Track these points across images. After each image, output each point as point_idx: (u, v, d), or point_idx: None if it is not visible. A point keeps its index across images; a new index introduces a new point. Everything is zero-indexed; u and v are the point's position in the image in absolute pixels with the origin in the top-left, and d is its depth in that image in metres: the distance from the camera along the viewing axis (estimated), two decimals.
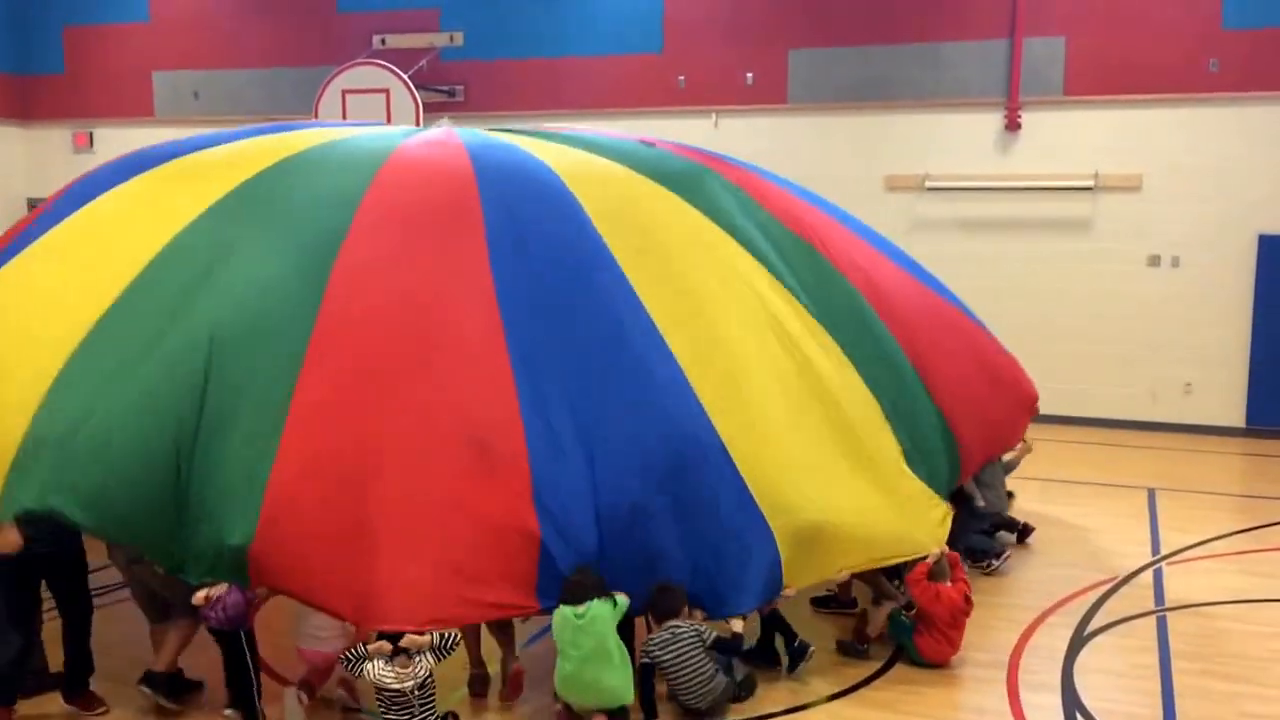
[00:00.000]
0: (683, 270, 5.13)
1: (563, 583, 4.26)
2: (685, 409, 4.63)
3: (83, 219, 5.09)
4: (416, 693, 4.01)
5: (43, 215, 5.37)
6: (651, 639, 4.42)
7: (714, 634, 4.44)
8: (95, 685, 4.55)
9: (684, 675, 4.38)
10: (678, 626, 4.38)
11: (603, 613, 4.22)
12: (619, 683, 4.25)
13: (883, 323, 5.63)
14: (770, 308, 5.21)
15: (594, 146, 5.85)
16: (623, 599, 4.30)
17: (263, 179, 5.12)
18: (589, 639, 4.21)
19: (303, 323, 4.48)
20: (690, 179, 5.70)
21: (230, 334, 4.41)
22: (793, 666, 4.75)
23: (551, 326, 4.68)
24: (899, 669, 4.93)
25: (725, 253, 5.35)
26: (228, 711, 4.32)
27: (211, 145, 5.59)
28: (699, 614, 4.49)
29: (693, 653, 4.36)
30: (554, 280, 4.83)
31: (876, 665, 4.95)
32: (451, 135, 5.72)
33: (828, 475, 4.84)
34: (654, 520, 4.41)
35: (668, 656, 4.37)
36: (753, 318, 5.12)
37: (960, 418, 5.68)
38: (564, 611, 4.24)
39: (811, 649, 4.77)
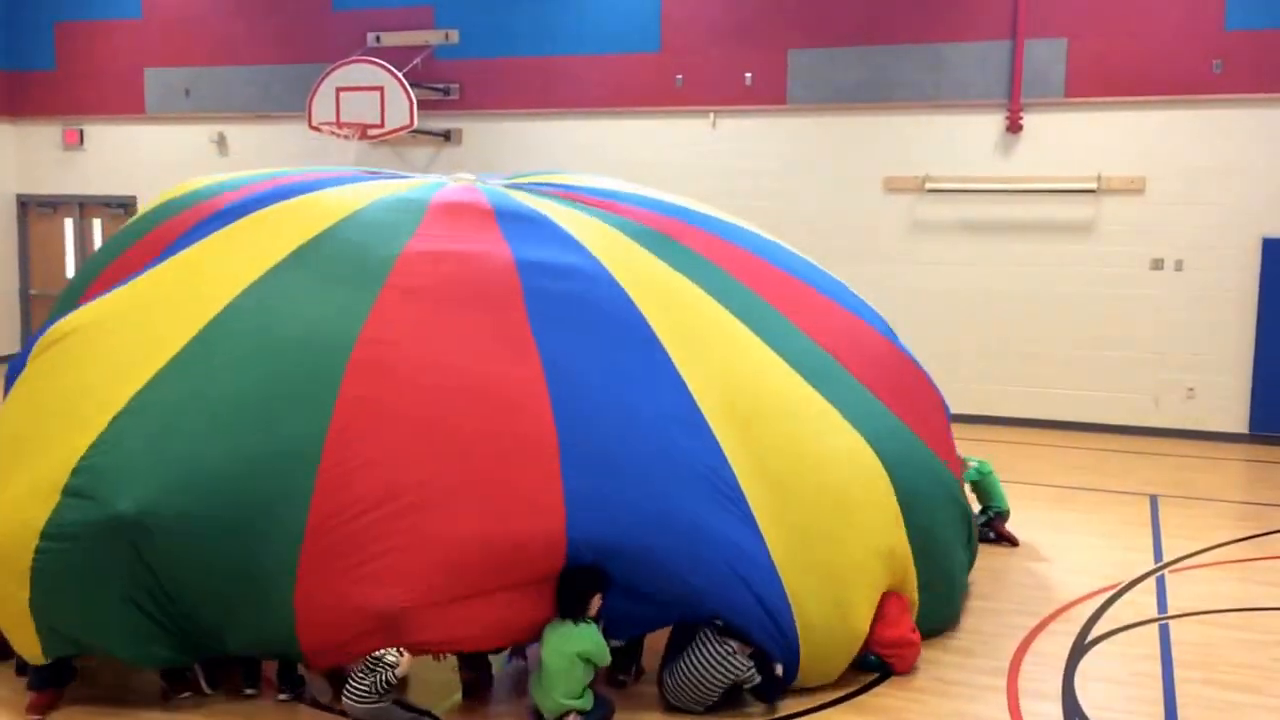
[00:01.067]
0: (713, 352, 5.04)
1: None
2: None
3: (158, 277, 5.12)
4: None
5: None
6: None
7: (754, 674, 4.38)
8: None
9: (684, 683, 4.34)
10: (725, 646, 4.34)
11: (561, 635, 4.20)
12: (550, 705, 4.22)
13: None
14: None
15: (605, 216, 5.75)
16: (589, 638, 4.23)
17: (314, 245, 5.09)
18: (546, 651, 4.22)
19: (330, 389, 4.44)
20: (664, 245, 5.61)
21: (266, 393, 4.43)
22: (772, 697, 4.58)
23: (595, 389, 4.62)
24: (899, 676, 4.82)
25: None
26: (249, 690, 4.49)
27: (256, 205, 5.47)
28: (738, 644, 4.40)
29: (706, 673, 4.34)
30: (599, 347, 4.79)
31: (876, 673, 4.84)
32: (478, 195, 5.59)
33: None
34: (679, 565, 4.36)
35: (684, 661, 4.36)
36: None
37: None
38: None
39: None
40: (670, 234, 5.66)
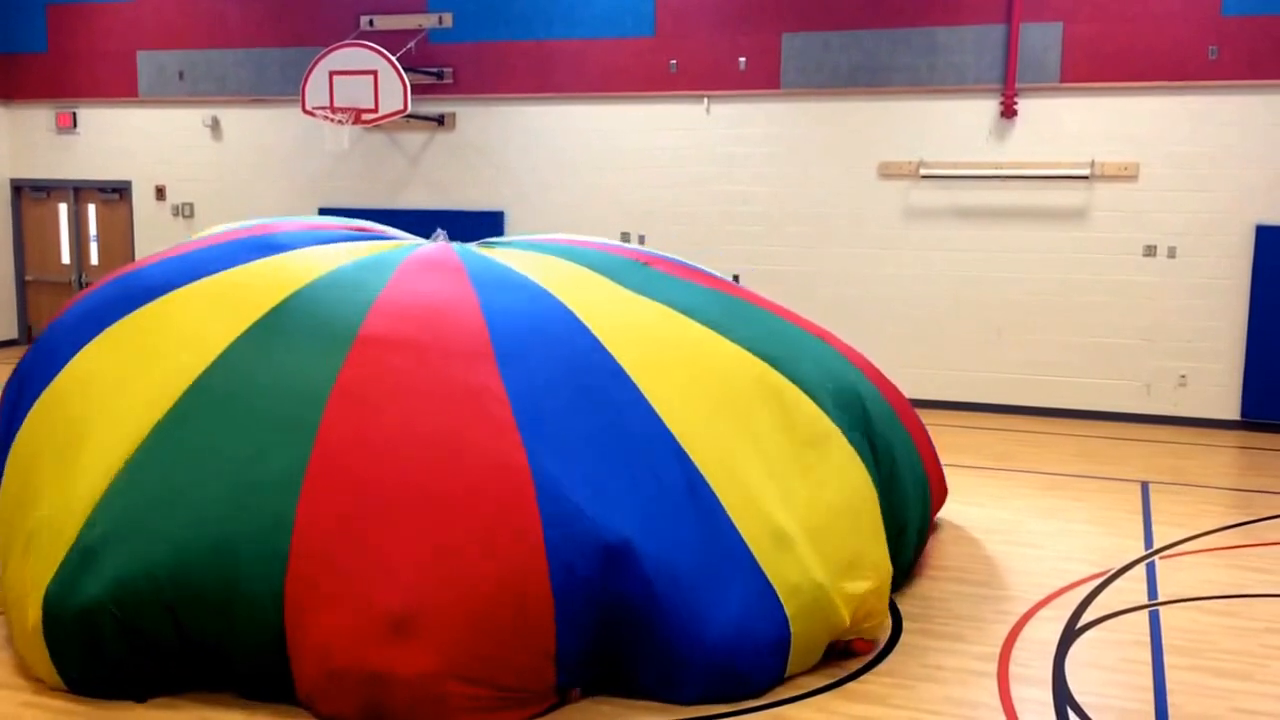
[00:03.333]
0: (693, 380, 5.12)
1: None
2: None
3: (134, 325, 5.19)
4: None
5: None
6: None
7: None
8: None
9: None
10: None
11: None
12: None
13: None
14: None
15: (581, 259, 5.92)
16: None
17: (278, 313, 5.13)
18: None
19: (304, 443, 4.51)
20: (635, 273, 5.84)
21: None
22: None
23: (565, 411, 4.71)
24: (888, 662, 4.84)
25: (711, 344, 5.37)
26: None
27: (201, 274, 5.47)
28: None
29: None
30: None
31: (865, 658, 4.86)
32: (451, 258, 5.68)
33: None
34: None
35: None
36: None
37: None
38: None
39: None
40: (635, 259, 6.05)
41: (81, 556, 4.34)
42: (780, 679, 4.57)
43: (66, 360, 5.10)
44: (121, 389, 4.82)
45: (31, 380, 5.23)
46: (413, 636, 4.07)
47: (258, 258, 5.50)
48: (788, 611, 4.52)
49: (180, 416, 4.68)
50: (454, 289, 5.28)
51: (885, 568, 5.01)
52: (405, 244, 6.05)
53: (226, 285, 5.28)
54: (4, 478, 5.06)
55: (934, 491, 6.20)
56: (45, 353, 5.31)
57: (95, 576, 4.28)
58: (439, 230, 6.33)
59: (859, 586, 4.77)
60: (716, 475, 4.72)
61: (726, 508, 4.65)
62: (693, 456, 4.73)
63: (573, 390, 4.80)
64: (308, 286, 5.22)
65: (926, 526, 6.00)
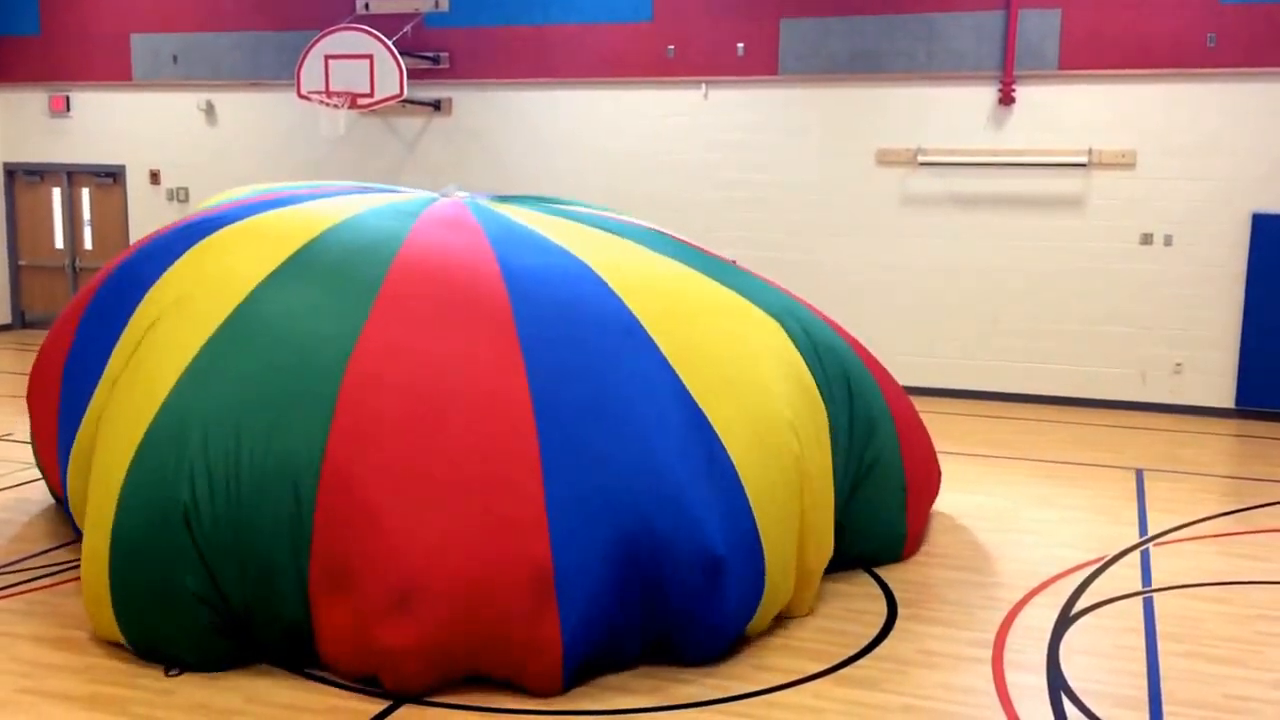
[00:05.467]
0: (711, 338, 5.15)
1: None
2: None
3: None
4: None
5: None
6: None
7: None
8: None
9: None
10: None
11: None
12: None
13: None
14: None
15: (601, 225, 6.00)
16: None
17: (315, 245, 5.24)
18: None
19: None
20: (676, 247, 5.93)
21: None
22: None
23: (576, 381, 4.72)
24: (882, 647, 4.85)
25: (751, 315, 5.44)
26: None
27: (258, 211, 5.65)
28: None
29: None
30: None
31: (860, 644, 4.87)
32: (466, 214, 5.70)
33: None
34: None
35: None
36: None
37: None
38: None
39: None
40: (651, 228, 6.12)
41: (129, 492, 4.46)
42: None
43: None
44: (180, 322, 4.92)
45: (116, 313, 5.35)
46: (421, 611, 4.15)
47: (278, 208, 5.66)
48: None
49: (210, 362, 4.73)
50: (472, 245, 5.31)
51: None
52: (420, 197, 6.12)
53: (248, 230, 5.41)
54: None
55: (919, 478, 6.11)
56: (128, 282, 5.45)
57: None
58: (452, 185, 6.33)
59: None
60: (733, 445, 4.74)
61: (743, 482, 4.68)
62: (719, 434, 4.73)
63: (582, 352, 4.81)
64: (329, 231, 5.29)
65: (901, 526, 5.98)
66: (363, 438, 4.41)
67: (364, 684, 4.33)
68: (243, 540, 4.31)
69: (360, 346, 4.67)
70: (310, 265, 5.08)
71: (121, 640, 4.54)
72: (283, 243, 5.22)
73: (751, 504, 4.62)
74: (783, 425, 4.89)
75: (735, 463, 4.66)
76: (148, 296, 5.20)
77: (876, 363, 6.21)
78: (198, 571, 4.32)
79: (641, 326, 4.97)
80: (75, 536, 5.76)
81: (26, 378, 6.49)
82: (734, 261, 6.17)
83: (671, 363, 4.87)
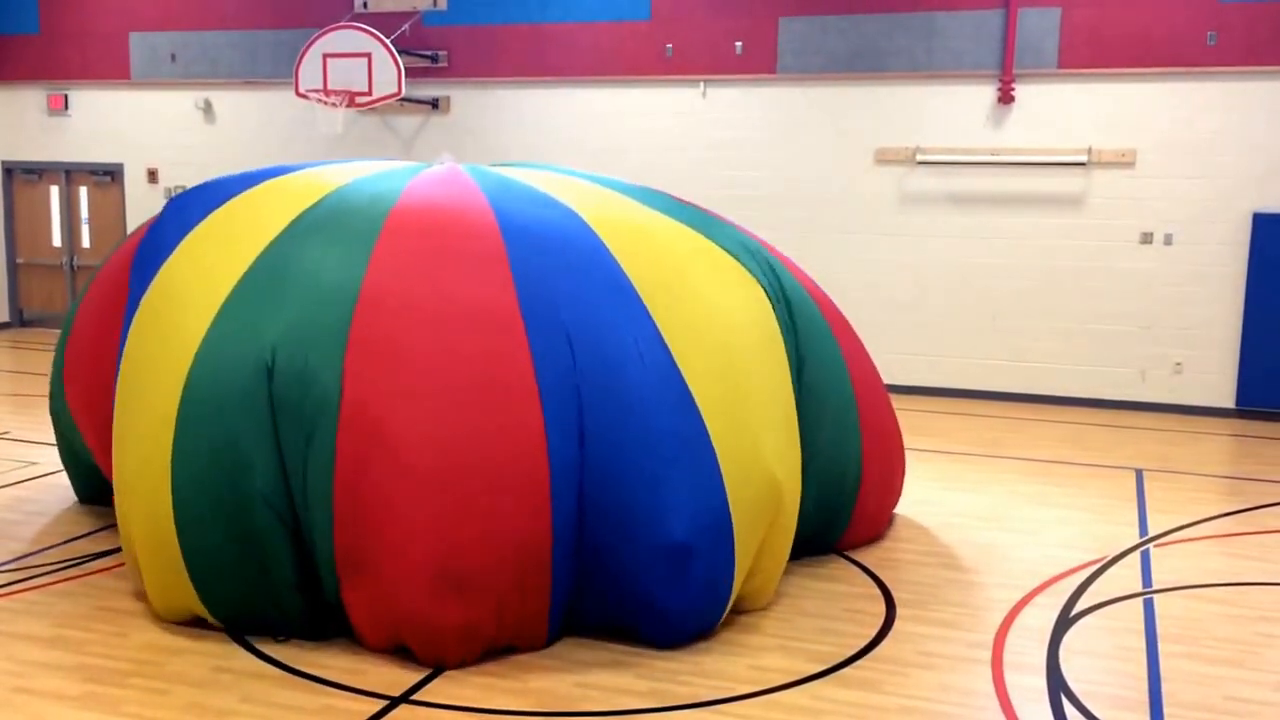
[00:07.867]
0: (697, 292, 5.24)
1: None
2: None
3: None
4: None
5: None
6: None
7: None
8: None
9: None
10: None
11: None
12: None
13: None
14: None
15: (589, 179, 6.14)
16: None
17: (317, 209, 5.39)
18: None
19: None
20: (667, 201, 6.05)
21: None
22: None
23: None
24: (881, 648, 4.83)
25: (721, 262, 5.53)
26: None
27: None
28: None
29: None
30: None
31: (859, 644, 4.85)
32: (459, 174, 5.79)
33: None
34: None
35: None
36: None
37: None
38: None
39: None
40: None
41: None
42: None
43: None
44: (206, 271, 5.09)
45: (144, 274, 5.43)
46: (452, 587, 4.39)
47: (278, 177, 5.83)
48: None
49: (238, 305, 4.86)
50: (466, 195, 5.43)
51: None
52: (414, 165, 6.27)
53: (259, 195, 5.58)
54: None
55: (872, 428, 6.10)
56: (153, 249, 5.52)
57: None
58: (445, 154, 6.37)
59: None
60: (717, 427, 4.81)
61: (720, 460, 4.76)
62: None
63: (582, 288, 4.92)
64: (335, 191, 5.44)
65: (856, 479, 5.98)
66: (376, 366, 4.58)
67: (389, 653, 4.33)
68: (293, 484, 4.55)
69: (365, 289, 4.81)
70: (318, 221, 5.24)
71: (196, 608, 4.72)
72: (298, 199, 5.41)
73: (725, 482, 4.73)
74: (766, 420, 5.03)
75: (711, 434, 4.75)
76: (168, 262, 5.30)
77: (834, 309, 6.45)
78: (269, 522, 4.55)
79: (633, 287, 5.03)
80: (68, 537, 5.74)
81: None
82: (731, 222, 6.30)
83: (661, 331, 4.92)
